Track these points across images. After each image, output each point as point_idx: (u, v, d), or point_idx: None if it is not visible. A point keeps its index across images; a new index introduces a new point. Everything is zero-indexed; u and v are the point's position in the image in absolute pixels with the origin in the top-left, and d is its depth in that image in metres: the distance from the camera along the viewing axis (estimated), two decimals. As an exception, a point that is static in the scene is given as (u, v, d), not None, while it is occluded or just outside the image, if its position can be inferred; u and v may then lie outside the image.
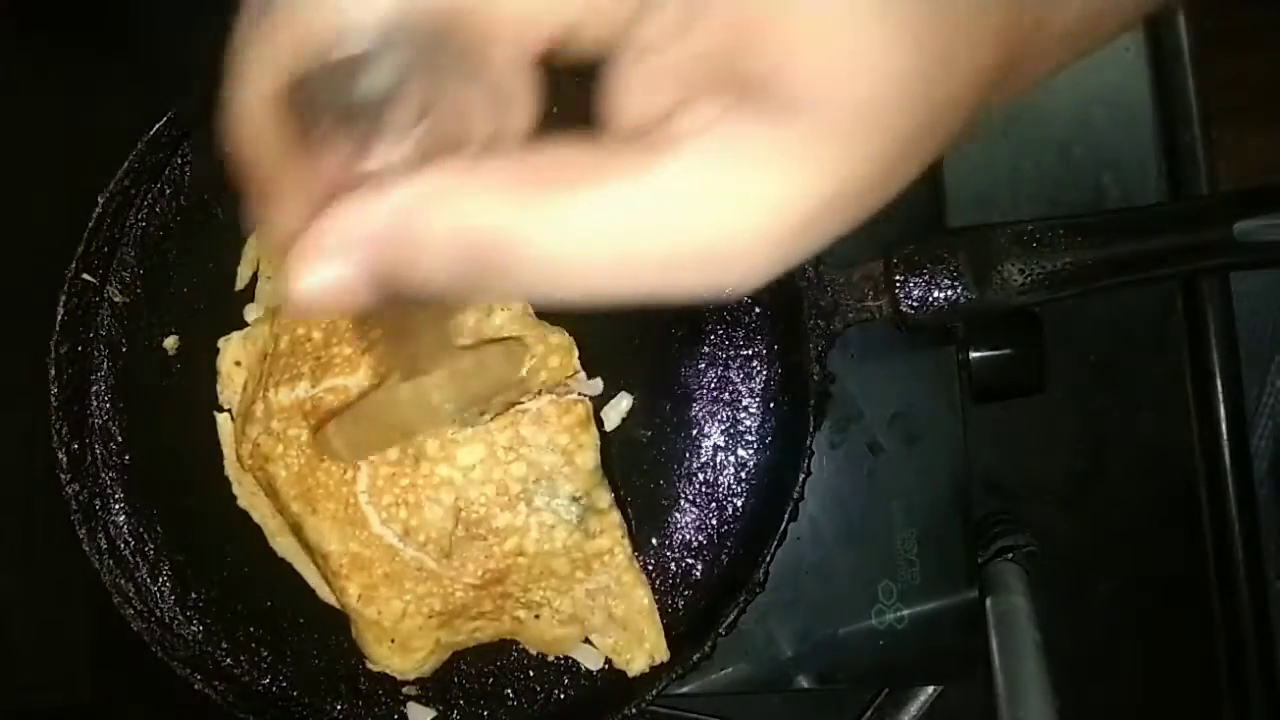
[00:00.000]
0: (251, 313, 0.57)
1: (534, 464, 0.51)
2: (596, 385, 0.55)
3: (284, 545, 0.56)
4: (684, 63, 0.24)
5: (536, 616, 0.53)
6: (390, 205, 0.22)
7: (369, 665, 0.54)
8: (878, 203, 0.24)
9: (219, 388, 0.57)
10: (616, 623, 0.53)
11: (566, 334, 0.53)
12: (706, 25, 0.23)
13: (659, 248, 0.23)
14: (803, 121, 0.23)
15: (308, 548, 0.54)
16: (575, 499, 0.52)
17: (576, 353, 0.53)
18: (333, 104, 0.23)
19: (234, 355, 0.57)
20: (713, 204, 0.23)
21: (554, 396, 0.52)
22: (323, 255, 0.23)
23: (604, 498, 0.52)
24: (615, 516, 0.53)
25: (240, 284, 0.58)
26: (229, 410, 0.57)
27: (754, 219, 0.23)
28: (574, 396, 0.52)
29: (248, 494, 0.57)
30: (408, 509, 0.51)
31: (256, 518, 0.56)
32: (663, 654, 0.53)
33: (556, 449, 0.51)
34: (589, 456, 0.52)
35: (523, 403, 0.51)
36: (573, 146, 0.23)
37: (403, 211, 0.22)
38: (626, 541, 0.53)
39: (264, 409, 0.53)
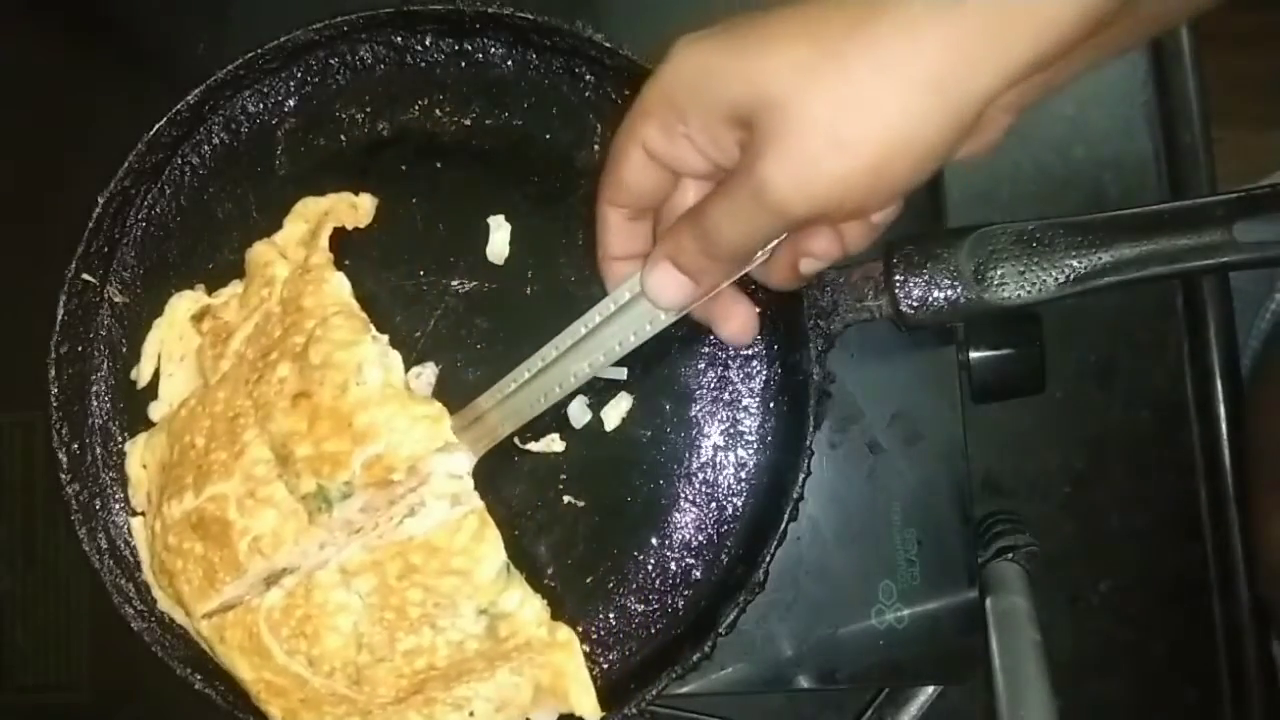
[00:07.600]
0: (155, 411, 0.55)
1: (431, 589, 0.49)
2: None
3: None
4: None
5: (470, 714, 0.50)
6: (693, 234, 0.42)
7: None
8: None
9: (130, 491, 0.55)
10: (545, 691, 0.50)
11: (437, 403, 0.51)
12: None
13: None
14: None
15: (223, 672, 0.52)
16: (481, 611, 0.49)
17: (449, 422, 0.50)
18: None
19: (139, 459, 0.55)
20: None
21: (439, 519, 0.49)
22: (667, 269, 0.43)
23: (512, 598, 0.49)
24: (527, 609, 0.49)
25: (142, 381, 0.56)
26: (142, 514, 0.55)
27: None
28: (462, 510, 0.49)
29: (168, 600, 0.54)
30: (307, 640, 0.49)
31: (180, 619, 0.54)
32: (593, 715, 0.50)
33: (451, 572, 0.49)
34: (489, 566, 0.49)
35: (409, 503, 0.49)
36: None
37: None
38: (544, 624, 0.50)
39: (161, 524, 0.51)
